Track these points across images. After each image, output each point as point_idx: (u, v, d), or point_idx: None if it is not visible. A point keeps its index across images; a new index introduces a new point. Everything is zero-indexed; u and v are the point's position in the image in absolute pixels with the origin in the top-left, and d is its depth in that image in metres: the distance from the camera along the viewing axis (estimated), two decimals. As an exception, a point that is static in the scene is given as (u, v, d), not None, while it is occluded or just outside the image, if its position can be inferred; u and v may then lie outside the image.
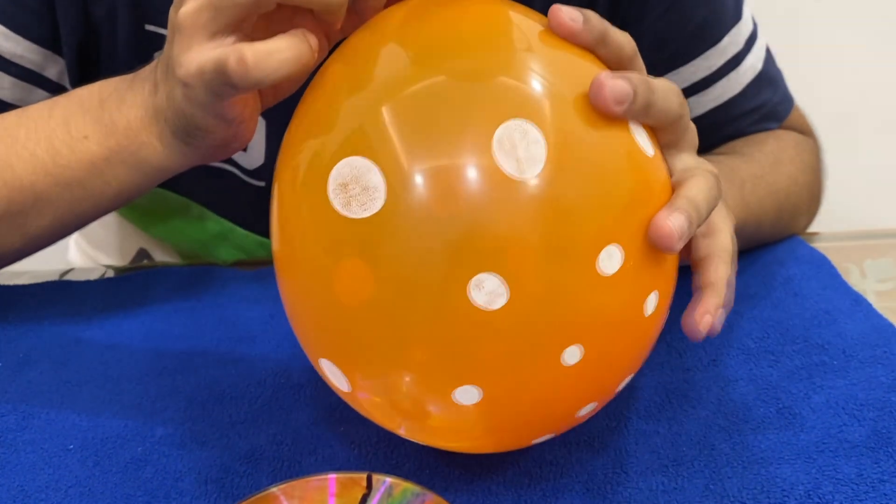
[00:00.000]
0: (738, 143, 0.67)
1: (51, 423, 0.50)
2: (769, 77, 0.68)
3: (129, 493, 0.44)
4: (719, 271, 0.44)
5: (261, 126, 0.64)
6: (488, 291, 0.38)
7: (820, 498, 0.43)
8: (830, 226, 0.72)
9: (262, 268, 0.66)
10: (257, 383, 0.52)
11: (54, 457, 0.47)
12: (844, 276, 0.62)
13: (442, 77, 0.39)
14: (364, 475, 0.43)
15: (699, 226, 0.41)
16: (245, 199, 0.70)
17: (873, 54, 1.29)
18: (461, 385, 0.40)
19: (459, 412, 0.41)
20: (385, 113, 0.39)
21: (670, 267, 0.44)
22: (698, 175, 0.42)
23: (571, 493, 0.44)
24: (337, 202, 0.38)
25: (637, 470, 0.45)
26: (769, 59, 0.68)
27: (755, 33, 0.67)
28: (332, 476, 0.44)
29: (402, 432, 0.45)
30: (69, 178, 0.51)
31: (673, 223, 0.39)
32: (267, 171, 0.68)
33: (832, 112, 1.25)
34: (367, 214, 0.38)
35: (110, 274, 0.67)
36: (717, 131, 0.67)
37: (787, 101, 0.70)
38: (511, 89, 0.39)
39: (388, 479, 0.43)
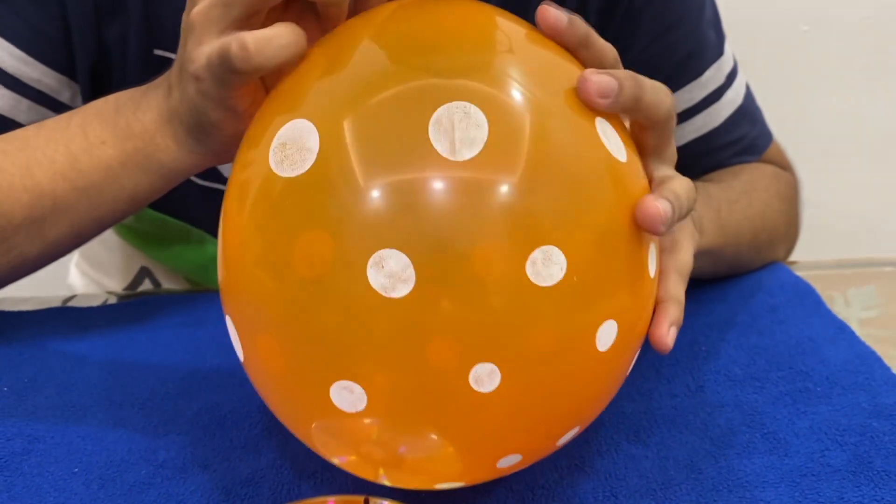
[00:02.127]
0: (715, 174, 0.70)
1: (56, 447, 0.51)
2: (748, 112, 0.70)
3: (133, 516, 0.46)
4: (679, 287, 0.44)
5: None
6: (389, 273, 0.34)
7: (802, 520, 0.45)
8: (816, 255, 0.74)
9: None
10: (257, 408, 0.53)
11: (60, 480, 0.48)
12: (829, 304, 0.64)
13: (406, 68, 0.38)
14: (362, 498, 0.44)
15: (680, 220, 0.41)
16: None
17: (858, 87, 1.32)
18: (339, 380, 0.36)
19: (337, 417, 0.37)
20: (338, 88, 0.38)
21: (634, 297, 0.39)
22: (678, 178, 0.43)
23: (563, 516, 0.46)
24: (273, 160, 0.38)
25: (625, 493, 0.47)
26: (749, 94, 0.71)
27: (735, 70, 0.69)
28: (331, 500, 0.45)
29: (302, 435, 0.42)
30: (87, 182, 0.53)
31: (660, 206, 0.38)
32: None
33: (819, 143, 1.28)
34: (295, 174, 0.37)
35: (112, 300, 0.68)
36: (697, 162, 0.69)
37: (765, 136, 0.72)
38: (469, 76, 0.37)
39: (385, 503, 0.44)
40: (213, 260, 0.78)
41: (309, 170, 0.36)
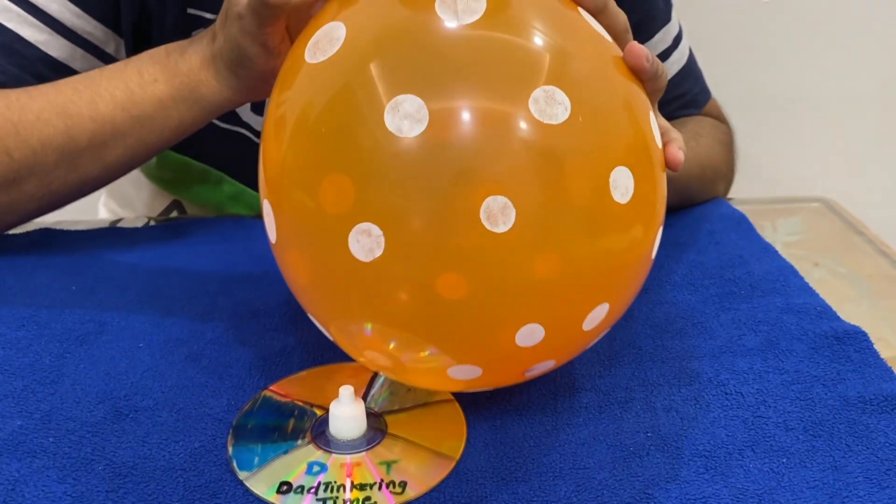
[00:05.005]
0: None
1: (122, 329, 0.62)
2: (691, 71, 0.83)
3: (191, 375, 0.57)
4: (676, 132, 0.53)
5: None
6: (404, 115, 0.37)
7: (719, 382, 0.56)
8: (752, 192, 0.86)
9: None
10: (285, 302, 0.65)
11: (128, 351, 0.60)
12: (759, 231, 0.76)
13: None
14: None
15: (657, 77, 0.47)
16: (255, 161, 0.83)
17: (807, 56, 1.45)
18: (358, 223, 0.38)
19: (355, 269, 0.39)
20: (358, 8, 0.43)
21: (642, 147, 0.41)
22: None
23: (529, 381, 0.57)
24: (308, 56, 0.43)
25: (580, 361, 0.58)
26: (691, 56, 0.83)
27: (681, 34, 0.81)
28: (349, 364, 0.57)
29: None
30: (141, 113, 0.65)
31: (642, 48, 0.45)
32: None
33: (765, 102, 1.40)
34: (326, 57, 0.42)
35: (153, 223, 0.80)
36: None
37: (705, 92, 0.85)
38: None
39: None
40: (229, 197, 0.90)
41: (338, 50, 0.41)
